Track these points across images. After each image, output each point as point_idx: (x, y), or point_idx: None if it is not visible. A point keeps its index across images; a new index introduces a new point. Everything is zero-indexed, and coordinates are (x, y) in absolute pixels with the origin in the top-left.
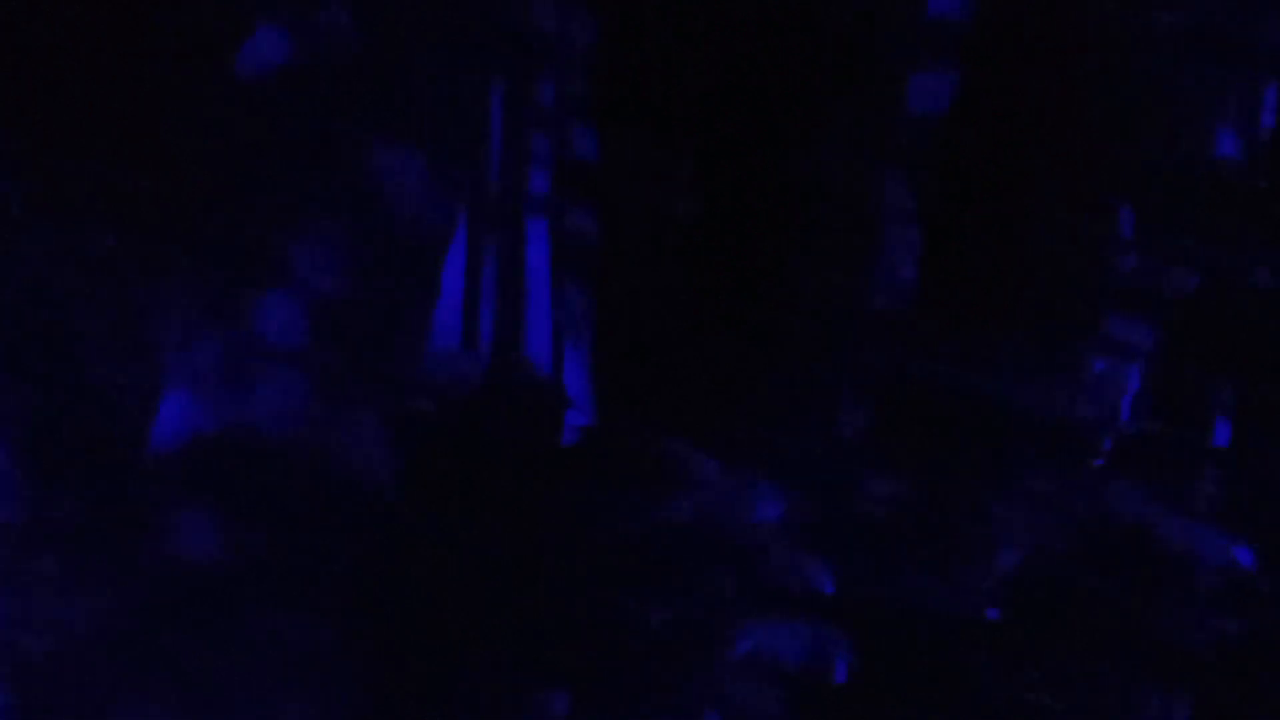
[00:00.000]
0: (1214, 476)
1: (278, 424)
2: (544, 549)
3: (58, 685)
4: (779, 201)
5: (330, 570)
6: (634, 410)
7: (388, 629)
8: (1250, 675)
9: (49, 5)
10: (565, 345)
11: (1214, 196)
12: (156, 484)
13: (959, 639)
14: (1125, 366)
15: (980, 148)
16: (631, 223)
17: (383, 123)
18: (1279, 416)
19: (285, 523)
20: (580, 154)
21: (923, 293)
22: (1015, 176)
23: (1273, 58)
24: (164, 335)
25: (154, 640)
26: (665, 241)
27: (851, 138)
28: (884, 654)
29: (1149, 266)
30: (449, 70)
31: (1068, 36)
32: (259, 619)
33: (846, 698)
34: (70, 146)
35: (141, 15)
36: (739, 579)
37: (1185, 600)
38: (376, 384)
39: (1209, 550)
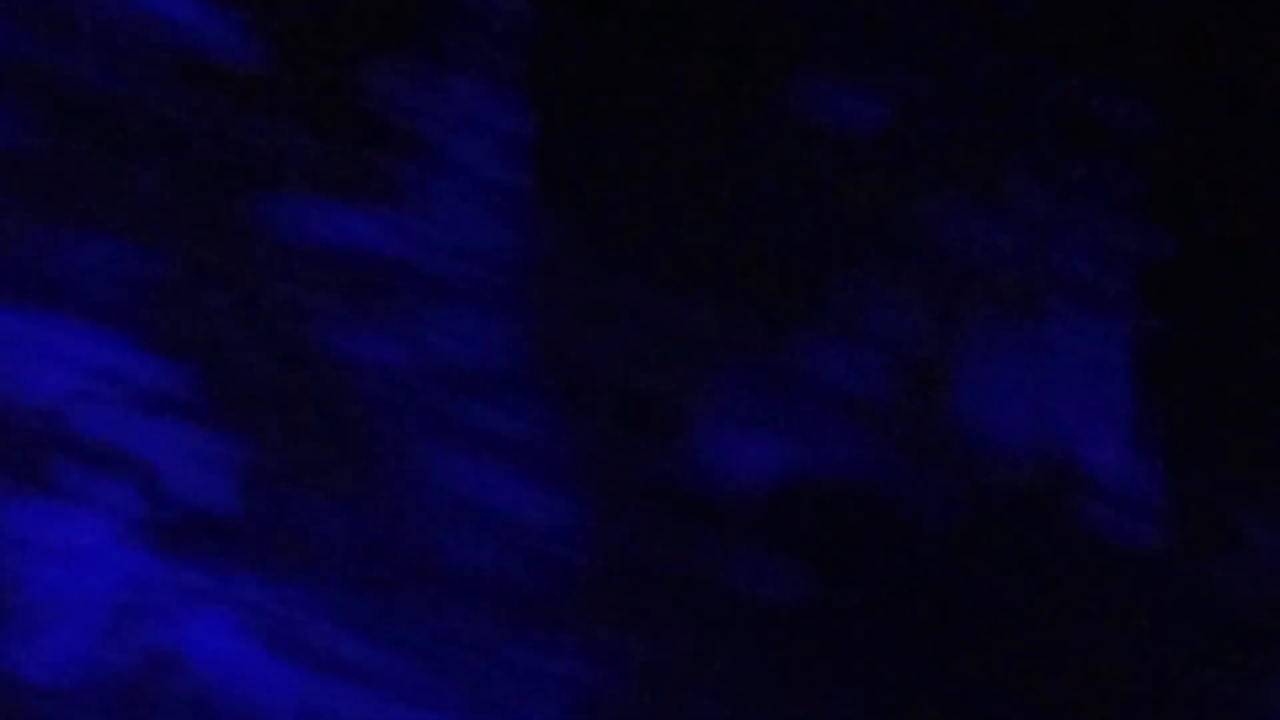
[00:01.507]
0: None
1: (846, 469)
2: (1098, 618)
3: (631, 715)
4: None
5: (890, 615)
6: (1196, 484)
7: (946, 675)
8: None
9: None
10: (1121, 430)
11: None
12: (722, 526)
13: None
14: None
15: None
16: (1193, 317)
17: (961, 175)
18: None
19: (850, 565)
20: (1144, 248)
21: None
22: None
23: None
24: (733, 381)
25: (714, 677)
26: (1224, 335)
27: None
28: None
29: None
30: (1022, 144)
31: None
32: (821, 659)
33: None
34: (623, 199)
35: (716, 69)
36: None
37: None
38: (939, 435)
39: None
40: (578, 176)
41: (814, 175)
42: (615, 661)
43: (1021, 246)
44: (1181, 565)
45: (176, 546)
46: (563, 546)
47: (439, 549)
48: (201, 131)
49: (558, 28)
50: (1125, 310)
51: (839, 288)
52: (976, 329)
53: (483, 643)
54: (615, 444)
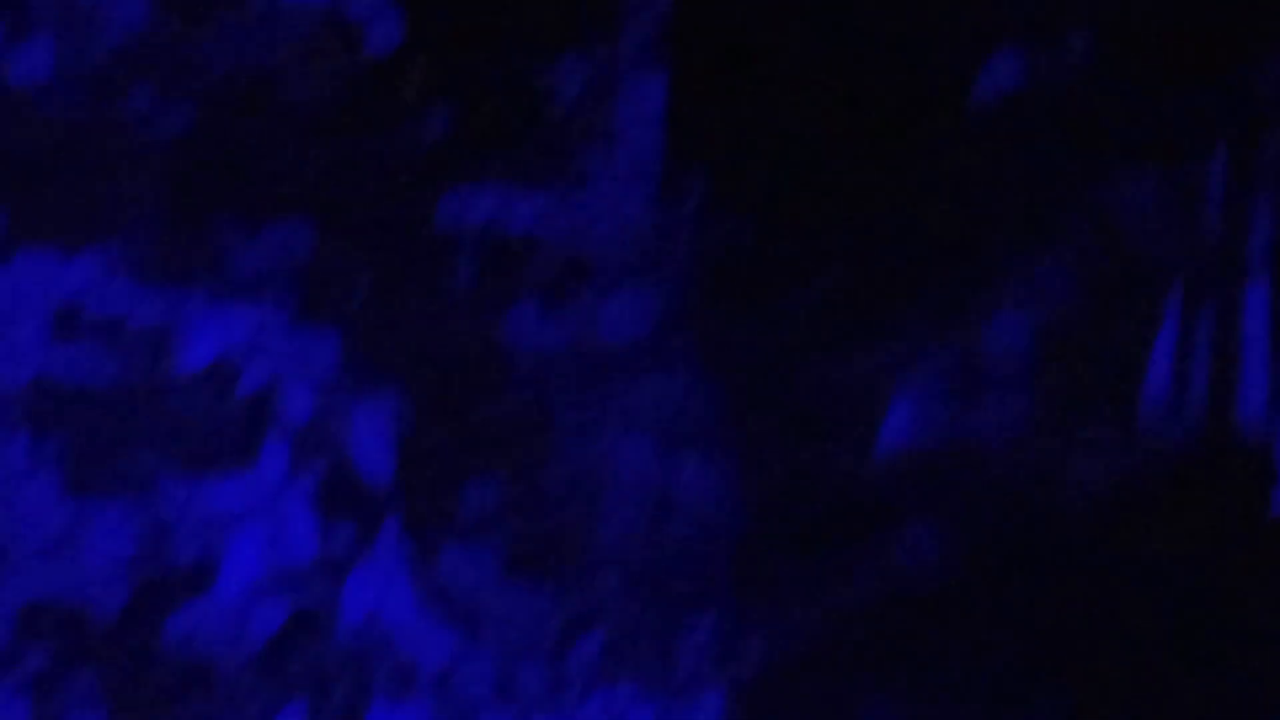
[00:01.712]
0: None
1: (1000, 439)
2: (1254, 609)
3: (779, 690)
4: None
5: (1042, 586)
6: None
7: (1092, 650)
8: None
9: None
10: None
11: None
12: (881, 493)
13: None
14: None
15: None
16: None
17: (1117, 147)
18: None
19: (1001, 535)
20: None
21: None
22: None
23: None
24: (893, 351)
25: (872, 645)
26: None
27: None
28: None
29: None
30: (1178, 107)
31: None
32: (973, 628)
33: None
34: (801, 181)
35: (873, 47)
36: None
37: None
38: (1097, 410)
39: None
40: (736, 158)
41: (985, 149)
42: (771, 635)
43: (1200, 221)
44: None
45: (333, 509)
46: (716, 519)
47: (592, 520)
48: (365, 116)
49: (718, 12)
50: None
51: (1006, 261)
52: (1147, 301)
53: (635, 613)
54: (770, 418)
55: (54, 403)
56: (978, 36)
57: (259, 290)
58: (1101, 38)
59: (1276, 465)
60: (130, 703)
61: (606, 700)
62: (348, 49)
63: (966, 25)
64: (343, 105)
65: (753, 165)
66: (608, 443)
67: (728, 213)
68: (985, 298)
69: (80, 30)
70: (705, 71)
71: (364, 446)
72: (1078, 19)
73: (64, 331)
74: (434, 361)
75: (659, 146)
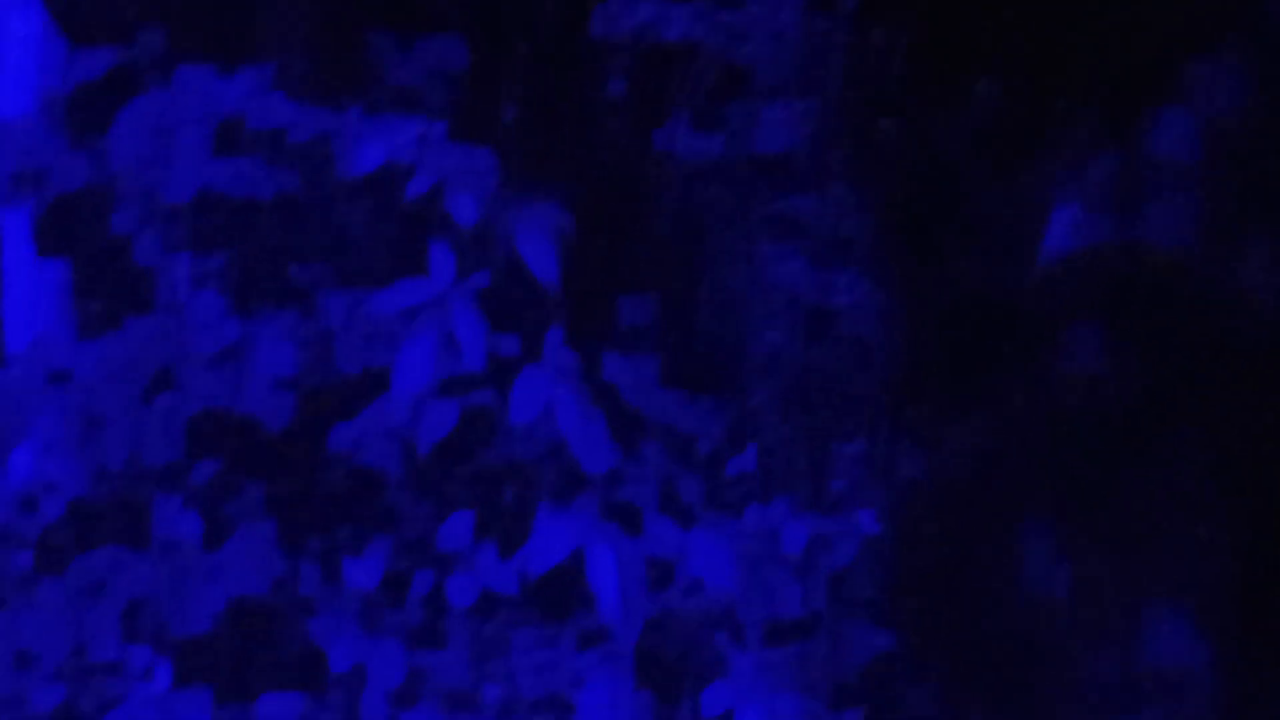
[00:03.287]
0: None
1: (1167, 241)
2: None
3: (934, 509)
4: None
5: (1214, 392)
6: None
7: (1268, 463)
8: None
9: None
10: None
11: None
12: (1043, 304)
13: None
14: None
15: None
16: None
17: None
18: None
19: (1170, 341)
20: None
21: None
22: None
23: None
24: (1056, 159)
25: (1032, 463)
26: None
27: None
28: None
29: None
30: None
31: None
32: (1140, 438)
33: None
34: None
35: None
36: None
37: None
38: (1264, 215)
39: None
40: None
41: None
42: (927, 453)
43: None
44: None
45: (499, 315)
46: (870, 336)
47: (744, 336)
48: None
49: None
50: None
51: (1171, 65)
52: None
53: (788, 429)
54: (928, 232)
55: (218, 217)
56: None
57: (416, 103)
58: None
59: None
60: (299, 512)
61: (760, 515)
62: None
63: None
64: None
65: None
66: (760, 257)
67: (883, 21)
68: (1150, 103)
69: None
70: None
71: (529, 253)
72: None
73: (225, 146)
74: (589, 172)
75: None
